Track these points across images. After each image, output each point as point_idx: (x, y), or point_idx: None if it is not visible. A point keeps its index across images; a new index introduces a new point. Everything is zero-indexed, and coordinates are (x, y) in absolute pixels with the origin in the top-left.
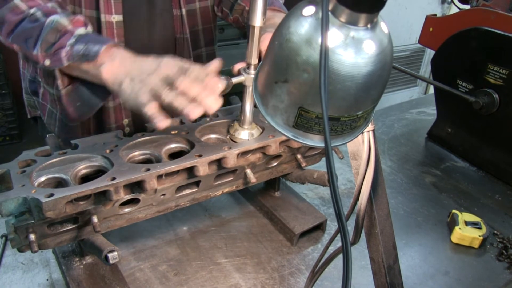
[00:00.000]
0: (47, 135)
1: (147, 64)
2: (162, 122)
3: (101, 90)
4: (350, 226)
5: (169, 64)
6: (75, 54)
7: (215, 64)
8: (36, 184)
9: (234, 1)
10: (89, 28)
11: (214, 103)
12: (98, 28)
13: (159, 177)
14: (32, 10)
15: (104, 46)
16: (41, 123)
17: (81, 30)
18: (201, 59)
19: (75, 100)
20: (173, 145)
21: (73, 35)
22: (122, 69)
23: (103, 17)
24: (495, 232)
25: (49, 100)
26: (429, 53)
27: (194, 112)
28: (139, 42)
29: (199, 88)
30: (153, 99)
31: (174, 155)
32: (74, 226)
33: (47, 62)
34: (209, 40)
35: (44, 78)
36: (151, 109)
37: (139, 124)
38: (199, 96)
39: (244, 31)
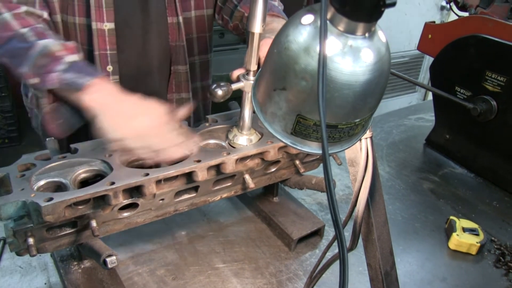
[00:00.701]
0: (47, 139)
1: (127, 108)
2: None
3: (83, 112)
4: (348, 232)
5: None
6: (63, 82)
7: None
8: (36, 188)
9: (233, 7)
10: (81, 56)
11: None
12: (89, 36)
13: (158, 182)
14: (22, 30)
15: (92, 80)
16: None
17: (72, 57)
18: (194, 67)
19: (57, 117)
20: None
21: (63, 61)
22: (102, 102)
23: (94, 25)
24: (493, 238)
25: (35, 104)
26: (428, 60)
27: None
28: (134, 51)
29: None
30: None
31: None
32: (73, 230)
33: (36, 80)
34: (203, 49)
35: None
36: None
37: None
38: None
39: (243, 38)
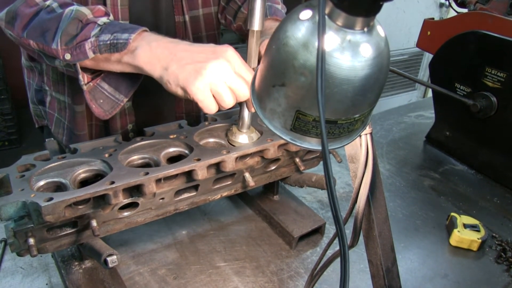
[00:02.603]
0: (46, 140)
1: (199, 50)
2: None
3: (126, 84)
4: (349, 230)
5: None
6: (102, 45)
7: None
8: (35, 188)
9: (237, 8)
10: (111, 17)
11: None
12: None
13: (158, 181)
14: (47, 2)
15: (134, 34)
16: (47, 132)
17: (104, 19)
18: None
19: (98, 97)
20: (171, 149)
21: (96, 24)
22: (164, 52)
23: None
24: (494, 234)
25: (57, 109)
26: (428, 57)
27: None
28: None
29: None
30: (207, 87)
31: (173, 159)
32: (73, 230)
33: (67, 56)
34: None
35: (53, 86)
36: (205, 96)
37: (142, 128)
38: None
39: (246, 36)
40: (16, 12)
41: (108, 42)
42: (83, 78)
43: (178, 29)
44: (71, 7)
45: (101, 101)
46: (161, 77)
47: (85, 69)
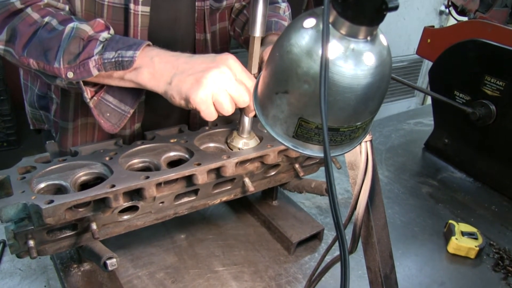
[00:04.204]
0: (47, 142)
1: (200, 61)
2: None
3: (130, 95)
4: (348, 236)
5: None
6: (106, 63)
7: None
8: (36, 190)
9: (246, 20)
10: (112, 31)
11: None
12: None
13: (158, 185)
14: (46, 19)
15: (138, 51)
16: (45, 135)
17: (105, 35)
18: None
19: (104, 110)
20: (172, 153)
21: (98, 41)
22: (167, 67)
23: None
24: (492, 242)
25: (63, 119)
26: (427, 64)
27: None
28: None
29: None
30: (209, 97)
31: (173, 163)
32: (73, 232)
33: (70, 75)
34: None
35: (62, 97)
36: (207, 105)
37: (148, 128)
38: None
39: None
40: (16, 30)
41: (113, 60)
42: (87, 93)
43: (198, 46)
44: (71, 24)
45: (108, 114)
46: (166, 92)
47: (86, 83)
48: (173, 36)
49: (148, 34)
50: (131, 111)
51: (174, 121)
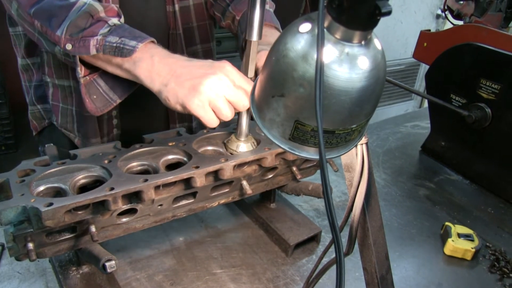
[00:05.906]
0: (46, 145)
1: (197, 66)
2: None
3: (122, 86)
4: (344, 238)
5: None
6: (107, 46)
7: None
8: (35, 193)
9: (225, 6)
10: (122, 19)
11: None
12: None
13: (157, 187)
14: None
15: (141, 44)
16: (48, 132)
17: (115, 20)
18: (198, 55)
19: (92, 92)
20: (170, 156)
21: (107, 24)
22: (165, 68)
23: None
24: (488, 244)
25: (61, 98)
26: (424, 68)
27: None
28: None
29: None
30: (206, 103)
31: (172, 166)
32: (72, 235)
33: (68, 47)
34: (204, 37)
35: (56, 73)
36: (205, 111)
37: (129, 129)
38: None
39: (235, 35)
40: None
41: (115, 44)
42: (81, 70)
43: (169, 18)
44: (85, 0)
45: (95, 97)
46: (160, 93)
47: (82, 62)
48: (146, 6)
49: (120, 2)
50: (118, 101)
51: (156, 122)
